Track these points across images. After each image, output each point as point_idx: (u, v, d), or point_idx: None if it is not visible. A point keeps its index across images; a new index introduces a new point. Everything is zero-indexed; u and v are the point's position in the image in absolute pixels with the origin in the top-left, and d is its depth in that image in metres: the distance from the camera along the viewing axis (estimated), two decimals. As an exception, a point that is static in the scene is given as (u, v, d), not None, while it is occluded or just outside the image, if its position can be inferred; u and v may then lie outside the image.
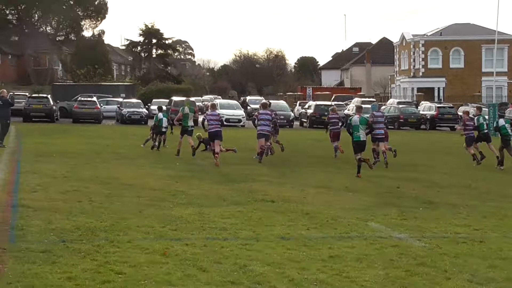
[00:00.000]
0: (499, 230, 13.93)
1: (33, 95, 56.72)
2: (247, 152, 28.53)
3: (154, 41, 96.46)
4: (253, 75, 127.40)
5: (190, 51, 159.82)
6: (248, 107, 66.05)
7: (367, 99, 71.15)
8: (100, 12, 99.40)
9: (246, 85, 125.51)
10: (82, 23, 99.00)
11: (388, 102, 69.72)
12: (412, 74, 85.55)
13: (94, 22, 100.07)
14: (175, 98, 54.90)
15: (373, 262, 10.79)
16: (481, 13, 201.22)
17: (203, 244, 11.60)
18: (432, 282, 9.86)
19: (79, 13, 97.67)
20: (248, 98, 78.56)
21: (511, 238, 13.20)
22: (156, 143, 30.05)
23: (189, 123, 27.84)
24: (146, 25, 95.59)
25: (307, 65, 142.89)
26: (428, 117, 58.62)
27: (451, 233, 13.42)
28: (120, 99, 60.49)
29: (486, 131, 28.63)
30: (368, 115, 25.11)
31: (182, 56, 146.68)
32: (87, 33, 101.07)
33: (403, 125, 57.05)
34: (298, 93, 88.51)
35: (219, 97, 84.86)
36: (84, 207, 14.69)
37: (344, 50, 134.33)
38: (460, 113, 59.63)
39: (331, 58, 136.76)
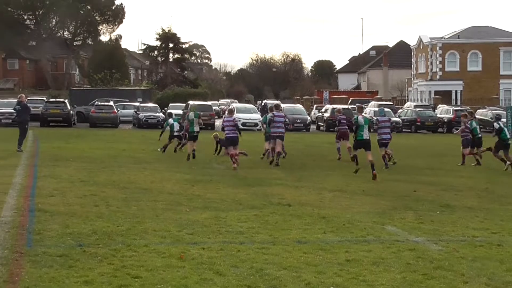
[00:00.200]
0: (517, 233, 13.85)
1: (51, 99, 56.99)
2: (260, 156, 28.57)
3: (171, 45, 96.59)
4: (269, 79, 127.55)
5: (207, 55, 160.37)
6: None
7: (384, 102, 71.07)
8: (117, 17, 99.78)
9: (263, 89, 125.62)
10: (99, 27, 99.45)
11: (405, 105, 69.58)
12: (429, 77, 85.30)
13: (111, 26, 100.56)
14: (191, 103, 54.96)
15: (390, 266, 10.75)
16: (500, 15, 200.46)
17: (219, 248, 11.60)
18: (450, 286, 9.80)
19: (96, 17, 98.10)
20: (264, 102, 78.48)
21: (529, 242, 13.11)
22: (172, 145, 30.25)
23: (195, 128, 28.35)
24: (163, 30, 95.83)
25: (324, 69, 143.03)
26: (445, 120, 58.43)
27: (468, 236, 13.34)
28: (137, 104, 60.64)
29: (480, 135, 28.76)
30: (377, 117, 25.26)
31: (199, 60, 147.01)
32: (104, 37, 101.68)
33: (420, 128, 56.94)
34: (315, 96, 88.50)
35: (236, 101, 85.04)
36: (101, 211, 14.74)
37: (361, 53, 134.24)
38: (477, 116, 59.68)
39: (348, 62, 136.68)
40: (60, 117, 51.48)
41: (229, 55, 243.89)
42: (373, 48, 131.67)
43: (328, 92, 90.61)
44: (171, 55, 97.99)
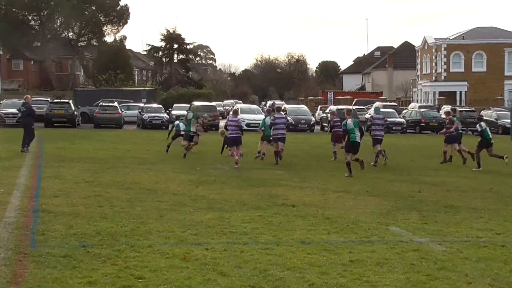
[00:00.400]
0: (521, 234, 13.82)
1: (55, 100, 57.04)
2: (268, 157, 28.53)
3: (175, 46, 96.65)
4: (274, 79, 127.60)
5: (211, 56, 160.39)
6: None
7: (388, 103, 71.03)
8: (121, 18, 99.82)
9: (267, 89, 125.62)
10: (104, 28, 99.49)
11: (410, 106, 69.46)
12: (434, 78, 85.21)
13: (116, 27, 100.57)
14: (196, 103, 55.00)
15: (394, 267, 10.74)
16: (504, 16, 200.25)
17: (223, 248, 11.60)
18: (453, 287, 9.79)
19: (101, 18, 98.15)
20: (269, 102, 78.46)
21: (533, 243, 13.09)
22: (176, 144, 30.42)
23: (191, 128, 29.24)
24: (167, 30, 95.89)
25: (328, 70, 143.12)
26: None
27: (472, 237, 13.33)
28: (141, 104, 60.68)
29: (460, 131, 29.74)
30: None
31: (204, 61, 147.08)
32: (109, 38, 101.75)
33: (425, 129, 56.86)
34: (319, 97, 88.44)
35: (240, 101, 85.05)
36: (105, 212, 14.75)
37: (365, 54, 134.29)
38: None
39: (352, 63, 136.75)
40: (64, 117, 51.51)
41: (234, 56, 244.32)
42: (378, 49, 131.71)
43: (332, 93, 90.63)
44: (175, 55, 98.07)
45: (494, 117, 58.37)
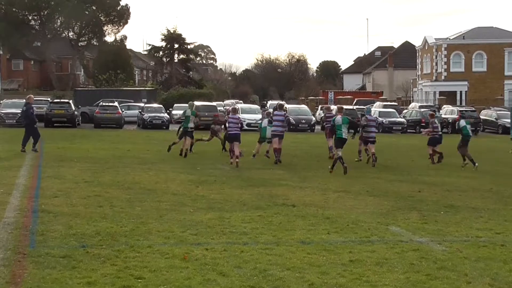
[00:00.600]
0: (521, 234, 13.83)
1: (55, 100, 57.01)
2: (266, 157, 28.63)
3: (176, 46, 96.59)
4: (275, 79, 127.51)
5: (212, 55, 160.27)
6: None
7: (389, 103, 71.03)
8: (122, 17, 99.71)
9: (268, 89, 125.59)
10: (104, 28, 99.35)
11: (410, 106, 69.46)
12: (434, 78, 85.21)
13: (116, 27, 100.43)
14: (196, 103, 54.98)
15: (394, 266, 10.74)
16: (504, 16, 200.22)
17: (223, 248, 11.60)
18: (453, 286, 9.80)
19: (101, 18, 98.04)
20: (269, 102, 78.33)
21: (533, 242, 13.09)
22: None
23: (189, 124, 29.22)
24: (168, 30, 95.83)
25: (329, 69, 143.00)
26: (450, 120, 58.35)
27: (472, 237, 13.33)
28: (142, 104, 60.64)
29: (440, 133, 30.07)
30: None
31: (204, 61, 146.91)
32: (109, 38, 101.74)
33: (425, 128, 56.75)
34: (320, 97, 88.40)
35: (241, 101, 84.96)
36: (105, 212, 14.75)
37: (366, 54, 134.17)
38: (482, 117, 59.61)
39: (353, 62, 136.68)
40: (64, 117, 51.45)
41: (234, 56, 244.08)
42: (378, 48, 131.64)
43: (333, 92, 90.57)
44: (176, 55, 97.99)
45: (494, 117, 58.40)
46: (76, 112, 53.31)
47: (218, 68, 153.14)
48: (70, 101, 55.15)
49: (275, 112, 28.51)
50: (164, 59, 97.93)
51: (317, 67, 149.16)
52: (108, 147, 32.66)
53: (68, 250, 11.17)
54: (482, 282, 10.04)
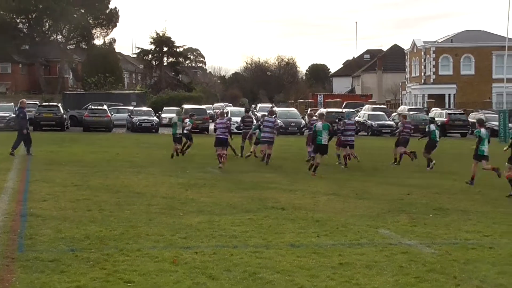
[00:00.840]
0: (509, 236, 13.86)
1: (44, 103, 56.84)
2: (258, 160, 28.68)
3: (165, 49, 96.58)
4: (264, 82, 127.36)
5: (201, 58, 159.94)
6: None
7: (378, 106, 71.13)
8: (111, 21, 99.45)
9: (257, 92, 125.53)
10: (93, 31, 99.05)
11: (399, 108, 69.55)
12: (423, 81, 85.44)
13: (105, 30, 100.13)
14: (186, 106, 55.00)
15: (383, 269, 10.76)
16: (492, 20, 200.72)
17: (212, 252, 11.60)
18: (442, 289, 9.83)
19: (90, 21, 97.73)
20: (259, 105, 78.24)
21: (522, 245, 13.13)
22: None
23: (177, 131, 30.08)
24: (157, 33, 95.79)
25: (318, 73, 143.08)
26: (439, 123, 58.47)
27: (461, 239, 13.37)
28: (131, 107, 60.52)
29: (409, 135, 30.60)
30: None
31: (193, 64, 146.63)
32: (98, 41, 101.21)
33: (414, 131, 56.85)
34: (309, 100, 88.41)
35: (230, 104, 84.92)
36: (94, 216, 14.72)
37: (355, 57, 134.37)
38: (471, 120, 59.75)
39: (342, 65, 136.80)
40: (53, 121, 51.33)
41: (224, 59, 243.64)
42: (367, 52, 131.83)
43: (322, 95, 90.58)
44: (165, 59, 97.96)
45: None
46: (65, 116, 53.18)
47: (208, 71, 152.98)
48: (59, 105, 54.99)
49: (265, 118, 29.03)
50: (153, 62, 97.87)
51: (307, 70, 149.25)
52: (97, 151, 32.58)
53: (57, 254, 11.14)
54: (471, 284, 10.07)
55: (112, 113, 56.11)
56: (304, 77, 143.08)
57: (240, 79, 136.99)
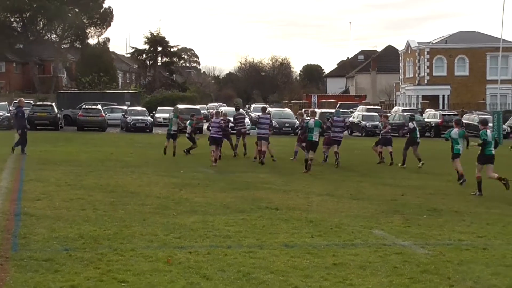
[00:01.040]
0: (502, 237, 13.89)
1: (38, 103, 56.78)
2: (250, 160, 28.71)
3: (159, 49, 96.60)
4: (258, 82, 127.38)
5: (195, 58, 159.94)
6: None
7: (372, 106, 71.18)
8: (105, 20, 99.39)
9: (252, 92, 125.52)
10: (87, 30, 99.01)
11: (393, 109, 69.66)
12: (417, 81, 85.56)
13: (99, 30, 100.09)
14: (180, 106, 54.97)
15: (377, 270, 10.76)
16: (486, 21, 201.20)
17: (206, 252, 11.59)
18: (436, 290, 9.84)
19: (84, 20, 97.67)
20: (253, 106, 78.21)
21: (515, 246, 13.15)
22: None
23: (172, 127, 31.17)
24: (151, 33, 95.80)
25: (312, 73, 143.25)
26: (433, 124, 58.59)
27: (454, 240, 13.39)
28: (125, 107, 60.50)
29: (391, 135, 31.37)
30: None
31: (187, 64, 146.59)
32: (92, 40, 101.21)
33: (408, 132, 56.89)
34: (303, 100, 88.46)
35: (224, 104, 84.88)
36: (88, 215, 14.70)
37: (349, 58, 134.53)
38: (464, 121, 59.83)
39: (336, 66, 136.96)
40: (47, 120, 51.30)
41: (218, 59, 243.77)
42: (362, 52, 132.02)
43: (316, 96, 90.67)
44: (159, 58, 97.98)
45: (477, 121, 58.53)
46: (58, 115, 53.14)
47: (202, 71, 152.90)
48: (53, 104, 54.95)
49: (261, 116, 29.33)
50: (148, 62, 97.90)
51: (301, 71, 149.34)
52: (91, 150, 32.55)
53: (51, 253, 11.12)
54: (464, 285, 10.09)
55: (106, 112, 56.12)
56: (298, 78, 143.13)
57: (234, 79, 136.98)
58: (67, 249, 11.40)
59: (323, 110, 58.33)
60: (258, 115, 29.87)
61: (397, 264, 11.14)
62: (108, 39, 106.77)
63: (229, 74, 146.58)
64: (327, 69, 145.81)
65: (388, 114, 35.26)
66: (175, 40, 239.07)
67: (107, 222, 13.93)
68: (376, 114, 59.78)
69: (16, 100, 60.72)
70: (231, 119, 32.51)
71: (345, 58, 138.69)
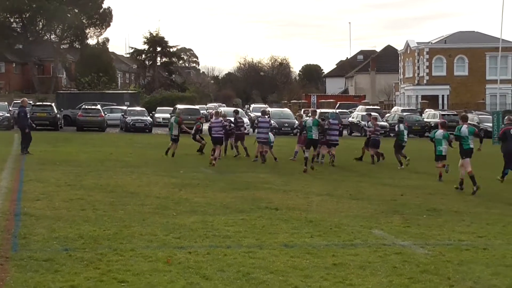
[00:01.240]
0: (502, 237, 13.88)
1: (37, 103, 56.78)
2: (250, 160, 28.73)
3: (158, 49, 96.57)
4: (257, 83, 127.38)
5: (194, 59, 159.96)
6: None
7: (371, 106, 71.17)
8: (104, 20, 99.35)
9: (251, 93, 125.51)
10: (87, 31, 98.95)
11: (393, 109, 69.70)
12: (416, 81, 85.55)
13: (99, 30, 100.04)
14: (179, 106, 54.97)
15: (377, 270, 10.76)
16: (486, 21, 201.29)
17: (206, 252, 11.59)
18: (436, 290, 9.84)
19: (84, 21, 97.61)
20: (252, 106, 78.20)
21: (515, 246, 13.16)
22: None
23: (173, 132, 30.87)
24: (150, 33, 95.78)
25: (311, 73, 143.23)
26: (432, 124, 58.59)
27: (454, 240, 13.38)
28: (124, 107, 60.49)
29: (379, 137, 31.65)
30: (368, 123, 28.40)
31: (187, 64, 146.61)
32: (92, 41, 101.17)
33: (407, 132, 56.93)
34: (303, 100, 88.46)
35: (224, 105, 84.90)
36: (87, 216, 14.70)
37: (348, 58, 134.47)
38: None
39: (335, 66, 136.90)
40: (46, 120, 51.24)
41: (217, 59, 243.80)
42: (361, 52, 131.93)
43: (315, 96, 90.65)
44: (158, 58, 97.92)
45: (476, 121, 58.59)
46: (58, 115, 53.15)
47: (201, 72, 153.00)
48: (52, 104, 54.95)
49: (260, 119, 29.80)
50: (147, 62, 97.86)
51: (300, 71, 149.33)
52: (91, 150, 32.55)
53: (51, 253, 11.12)
54: (464, 285, 10.08)
55: (105, 113, 56.11)
56: (297, 78, 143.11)
57: (234, 80, 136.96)
58: (67, 249, 11.41)
59: (323, 110, 58.38)
60: (258, 118, 30.02)
61: (397, 264, 11.14)
62: (107, 39, 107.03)
63: (228, 74, 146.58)
64: (326, 69, 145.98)
65: (375, 115, 35.31)
66: (175, 40, 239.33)
67: (107, 222, 13.93)
68: (376, 114, 59.80)
69: (16, 100, 60.93)
70: (232, 119, 32.48)
71: (344, 58, 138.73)
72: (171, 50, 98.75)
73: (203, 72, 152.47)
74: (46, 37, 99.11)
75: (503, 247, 12.84)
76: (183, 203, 16.99)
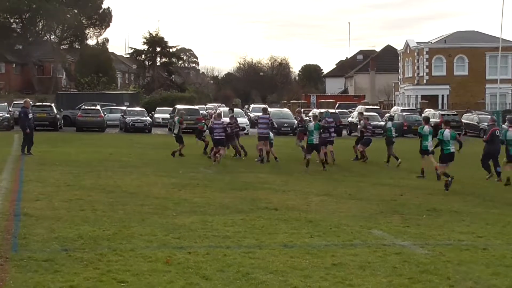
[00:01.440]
0: (502, 237, 13.88)
1: (37, 103, 56.77)
2: (250, 160, 28.71)
3: (158, 49, 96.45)
4: (257, 83, 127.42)
5: (194, 59, 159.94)
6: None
7: (371, 106, 71.16)
8: (104, 21, 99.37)
9: (250, 93, 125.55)
10: (86, 31, 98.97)
11: (392, 109, 69.62)
12: (416, 81, 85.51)
13: (98, 30, 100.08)
14: (179, 107, 54.95)
15: (376, 270, 10.76)
16: (486, 20, 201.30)
17: (206, 252, 11.59)
18: (435, 290, 9.84)
19: (83, 21, 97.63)
20: (252, 106, 78.20)
21: (514, 246, 13.15)
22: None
23: (174, 131, 31.46)
24: (150, 34, 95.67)
25: (311, 73, 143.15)
26: (432, 124, 58.53)
27: (454, 240, 13.38)
28: (124, 108, 60.46)
29: (371, 135, 32.40)
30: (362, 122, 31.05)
31: (186, 64, 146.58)
32: (91, 41, 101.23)
33: (407, 132, 56.90)
34: (302, 100, 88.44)
35: (223, 105, 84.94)
36: (87, 216, 14.70)
37: (348, 58, 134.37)
38: (464, 120, 59.84)
39: (335, 66, 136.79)
40: (46, 121, 51.23)
41: (216, 59, 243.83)
42: (360, 52, 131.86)
43: (315, 96, 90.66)
44: (158, 59, 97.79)
45: (476, 121, 58.60)
46: (58, 116, 53.14)
47: (200, 72, 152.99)
48: (52, 105, 54.94)
49: (260, 116, 30.08)
50: (146, 63, 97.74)
51: (299, 71, 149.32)
52: (90, 151, 32.55)
53: (50, 253, 11.12)
54: (464, 285, 10.08)
55: (105, 113, 56.09)
56: (297, 78, 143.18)
57: (233, 80, 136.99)
58: (66, 250, 11.41)
59: (323, 110, 58.34)
60: (258, 116, 30.46)
61: (397, 264, 11.14)
62: (107, 40, 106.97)
63: (228, 74, 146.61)
64: (326, 69, 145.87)
65: (366, 114, 35.71)
66: (174, 41, 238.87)
67: (106, 223, 13.94)
68: (376, 114, 59.80)
69: (15, 100, 60.90)
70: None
71: (344, 58, 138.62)
72: (171, 50, 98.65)
73: (203, 72, 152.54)
74: (46, 38, 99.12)
75: (503, 247, 12.84)
76: (182, 203, 17.00)
